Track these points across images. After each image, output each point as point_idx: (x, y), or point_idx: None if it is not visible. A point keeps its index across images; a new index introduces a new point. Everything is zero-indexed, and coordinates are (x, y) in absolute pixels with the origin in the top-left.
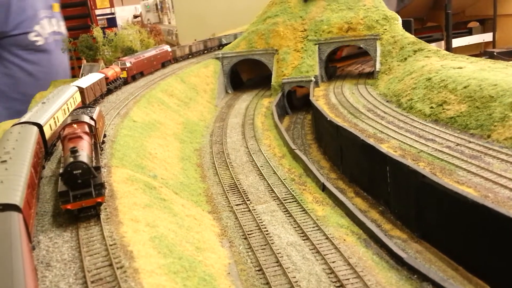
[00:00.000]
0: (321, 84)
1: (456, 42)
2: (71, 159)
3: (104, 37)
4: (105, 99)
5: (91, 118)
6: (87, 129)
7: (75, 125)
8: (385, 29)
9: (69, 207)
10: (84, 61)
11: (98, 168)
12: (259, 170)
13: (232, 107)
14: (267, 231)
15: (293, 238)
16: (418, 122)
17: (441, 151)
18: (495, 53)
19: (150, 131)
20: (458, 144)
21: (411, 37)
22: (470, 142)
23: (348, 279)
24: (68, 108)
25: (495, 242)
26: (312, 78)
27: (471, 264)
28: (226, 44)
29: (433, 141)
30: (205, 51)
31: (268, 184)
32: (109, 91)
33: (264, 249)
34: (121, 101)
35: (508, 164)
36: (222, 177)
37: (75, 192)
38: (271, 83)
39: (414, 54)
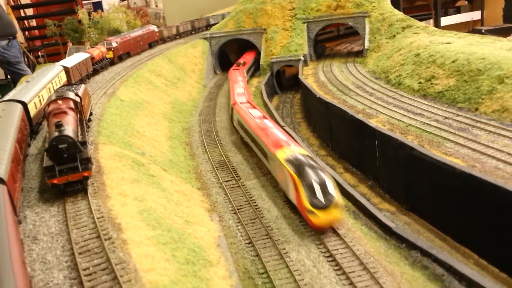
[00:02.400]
0: (310, 63)
1: (445, 21)
2: (56, 133)
3: (89, 19)
4: (91, 79)
5: (76, 94)
6: (72, 105)
7: (60, 101)
8: (374, 7)
9: (55, 181)
10: (70, 44)
11: (84, 143)
12: (249, 147)
13: (221, 87)
14: (256, 205)
15: (283, 211)
16: (407, 97)
17: (429, 124)
18: (483, 31)
19: (138, 110)
20: (446, 118)
21: (399, 14)
22: (458, 115)
23: (337, 249)
24: (53, 87)
25: (482, 211)
26: (301, 57)
27: (458, 234)
28: (214, 24)
29: (421, 115)
30: (193, 32)
31: (258, 161)
32: (96, 72)
33: (253, 222)
34: (107, 81)
35: (495, 135)
36: (211, 154)
37: (61, 166)
38: (260, 63)
39: (403, 31)
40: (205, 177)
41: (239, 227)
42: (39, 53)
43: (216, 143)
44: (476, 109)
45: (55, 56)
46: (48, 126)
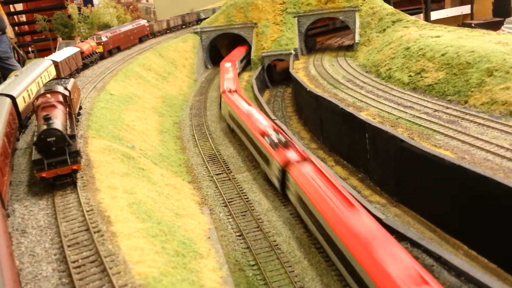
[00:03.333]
0: (301, 57)
1: (435, 15)
2: (45, 127)
3: (79, 14)
4: (81, 74)
5: (65, 88)
6: (61, 99)
7: (48, 95)
8: (364, 1)
9: (44, 175)
10: (60, 39)
11: (73, 137)
12: (240, 140)
13: (212, 82)
14: (247, 198)
15: (273, 204)
16: (397, 90)
17: (419, 117)
18: (473, 25)
19: (128, 104)
20: (436, 110)
21: (389, 8)
22: (447, 108)
23: None
24: (42, 81)
25: (471, 203)
26: (292, 51)
27: (448, 225)
28: (204, 19)
29: (411, 108)
30: (184, 26)
31: (249, 154)
32: (85, 66)
33: (244, 215)
34: (97, 75)
35: (484, 127)
36: (202, 148)
37: (49, 160)
38: (251, 57)
39: (393, 24)
40: (196, 171)
41: (230, 219)
42: (29, 49)
43: (207, 137)
44: (466, 102)
45: (45, 51)
46: (37, 120)
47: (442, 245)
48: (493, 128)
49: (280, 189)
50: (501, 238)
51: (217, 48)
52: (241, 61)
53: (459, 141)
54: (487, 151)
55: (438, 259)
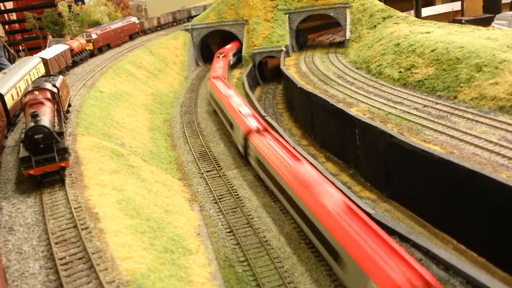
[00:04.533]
0: (292, 53)
1: (426, 11)
2: (32, 124)
3: (70, 11)
4: (70, 71)
5: (54, 85)
6: (49, 96)
7: (36, 92)
8: None
9: (31, 172)
10: (50, 37)
11: (61, 134)
12: (230, 137)
13: (203, 79)
14: (237, 195)
15: (263, 200)
16: (387, 86)
17: (408, 112)
18: (463, 21)
19: (118, 101)
20: (425, 106)
21: (380, 5)
22: (437, 103)
23: None
24: (31, 78)
25: (460, 197)
26: (283, 48)
27: (437, 220)
28: (195, 16)
29: (401, 103)
30: (174, 23)
31: (240, 150)
32: (75, 64)
33: (234, 212)
34: (87, 73)
35: (473, 122)
36: (192, 145)
37: (37, 157)
38: (242, 54)
39: (384, 21)
40: (186, 168)
41: (220, 216)
42: (20, 47)
43: (197, 134)
44: (455, 97)
45: (36, 49)
46: (25, 117)
47: (431, 240)
48: (482, 123)
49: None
50: (489, 232)
51: (208, 46)
52: (234, 54)
53: (448, 136)
54: (476, 145)
55: (427, 253)
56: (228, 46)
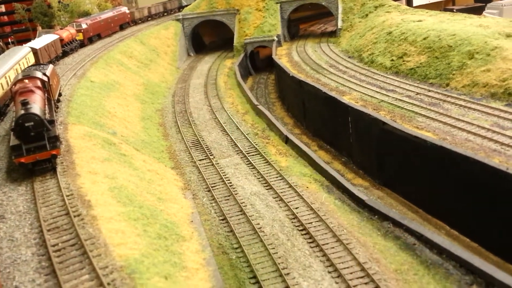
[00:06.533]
0: (284, 43)
1: (417, 1)
2: (22, 111)
3: (59, 2)
4: (61, 61)
5: (44, 74)
6: (39, 84)
7: (26, 80)
8: None
9: (22, 160)
10: (40, 28)
11: (52, 122)
12: (222, 126)
13: (195, 69)
14: (230, 183)
15: (256, 188)
16: (379, 74)
17: (401, 100)
18: (454, 10)
19: (109, 91)
20: (417, 93)
21: None
22: (429, 91)
23: (310, 222)
24: (20, 68)
25: (452, 182)
26: (275, 38)
27: (430, 206)
28: (186, 6)
29: (393, 91)
30: (165, 13)
31: (231, 139)
32: (65, 53)
33: (227, 199)
34: (77, 63)
35: (466, 109)
36: (184, 134)
37: (28, 145)
38: (234, 44)
39: (375, 10)
40: (178, 157)
41: (213, 204)
42: (9, 40)
43: (189, 123)
44: (447, 85)
45: (25, 42)
46: (15, 105)
47: (424, 226)
48: (474, 109)
49: None
50: (482, 217)
51: (199, 35)
52: None
53: (441, 123)
54: (468, 131)
55: (420, 237)
56: None
